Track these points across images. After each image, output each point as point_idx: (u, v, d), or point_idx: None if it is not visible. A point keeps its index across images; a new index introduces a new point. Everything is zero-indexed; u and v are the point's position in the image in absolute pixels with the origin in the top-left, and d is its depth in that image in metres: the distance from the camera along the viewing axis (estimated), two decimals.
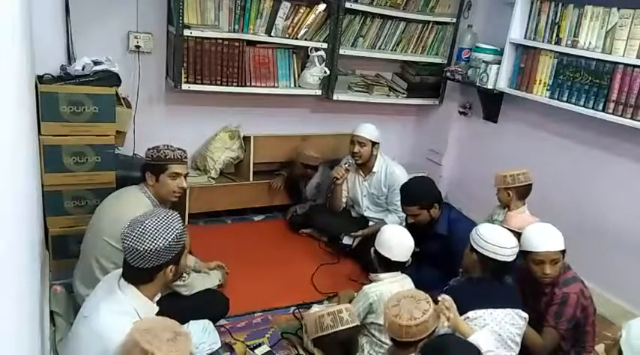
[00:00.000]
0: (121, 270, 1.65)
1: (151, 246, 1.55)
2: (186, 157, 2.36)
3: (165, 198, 2.31)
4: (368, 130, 3.35)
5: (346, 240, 3.34)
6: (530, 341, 2.20)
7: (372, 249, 2.44)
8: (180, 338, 1.38)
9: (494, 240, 2.11)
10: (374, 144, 3.35)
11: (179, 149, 2.34)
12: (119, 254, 1.77)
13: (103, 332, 1.49)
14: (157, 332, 1.36)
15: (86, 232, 2.32)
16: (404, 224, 3.06)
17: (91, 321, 1.56)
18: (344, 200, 3.51)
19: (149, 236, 1.56)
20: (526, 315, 2.12)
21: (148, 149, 2.36)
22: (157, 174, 2.27)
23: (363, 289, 2.39)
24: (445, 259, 2.68)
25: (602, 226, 2.40)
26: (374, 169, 3.40)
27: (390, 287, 2.26)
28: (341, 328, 2.02)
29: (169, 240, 1.58)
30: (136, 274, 1.60)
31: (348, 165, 3.42)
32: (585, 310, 2.27)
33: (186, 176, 2.35)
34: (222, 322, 2.51)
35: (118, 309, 1.55)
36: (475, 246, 2.16)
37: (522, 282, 2.36)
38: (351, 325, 2.05)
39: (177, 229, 1.61)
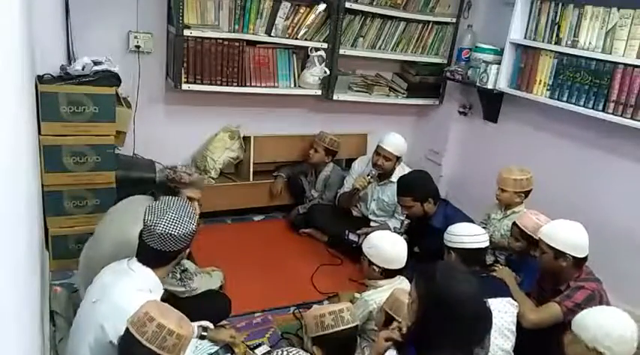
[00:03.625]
0: (124, 260, 1.76)
1: (184, 231, 1.71)
2: (202, 182, 2.32)
3: None
4: (396, 145, 3.31)
5: (352, 236, 3.29)
6: (521, 313, 2.18)
7: (367, 260, 2.39)
8: (186, 320, 1.54)
9: (463, 232, 2.25)
10: (398, 158, 3.32)
11: (197, 173, 2.30)
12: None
13: (123, 306, 1.60)
14: (166, 310, 1.53)
15: (90, 241, 2.21)
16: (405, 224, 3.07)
17: (107, 300, 1.65)
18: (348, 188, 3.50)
19: (181, 222, 1.71)
20: (517, 303, 2.16)
21: (166, 167, 2.31)
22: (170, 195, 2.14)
23: (362, 296, 2.37)
24: (444, 257, 2.68)
25: (602, 226, 2.40)
26: (392, 179, 3.37)
27: (389, 294, 2.24)
28: (342, 328, 2.02)
29: (194, 225, 1.75)
30: (158, 256, 1.72)
31: (371, 177, 3.34)
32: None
33: (199, 201, 2.28)
34: (222, 322, 2.50)
35: (136, 287, 1.68)
36: (451, 245, 2.27)
37: (541, 282, 2.39)
38: (352, 325, 2.04)
39: (196, 216, 1.80)
